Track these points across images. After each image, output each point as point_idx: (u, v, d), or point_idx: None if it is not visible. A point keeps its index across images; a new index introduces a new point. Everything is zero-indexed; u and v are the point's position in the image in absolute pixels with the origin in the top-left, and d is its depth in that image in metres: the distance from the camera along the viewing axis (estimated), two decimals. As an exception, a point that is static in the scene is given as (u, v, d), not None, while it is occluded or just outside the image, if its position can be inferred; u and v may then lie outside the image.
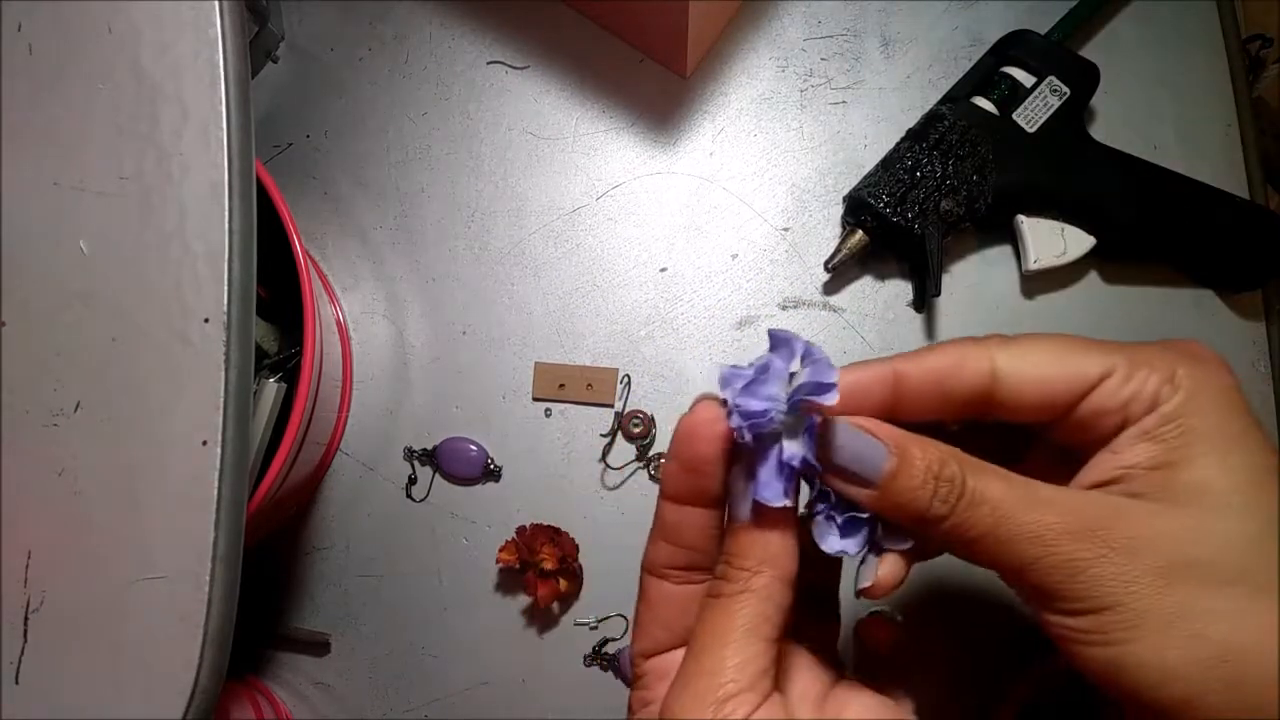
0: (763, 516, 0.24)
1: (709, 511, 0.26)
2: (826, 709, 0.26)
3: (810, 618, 0.29)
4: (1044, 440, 0.27)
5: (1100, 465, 0.24)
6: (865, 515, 0.25)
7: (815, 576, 0.30)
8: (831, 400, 0.22)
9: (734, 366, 0.24)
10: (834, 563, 0.30)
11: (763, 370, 0.23)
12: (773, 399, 0.23)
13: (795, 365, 0.24)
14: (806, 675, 0.27)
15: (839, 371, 0.24)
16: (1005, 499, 0.23)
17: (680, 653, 0.26)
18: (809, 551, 0.27)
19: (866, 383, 0.25)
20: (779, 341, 0.24)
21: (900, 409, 0.25)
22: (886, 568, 0.26)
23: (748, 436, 0.23)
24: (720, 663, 0.23)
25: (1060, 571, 0.22)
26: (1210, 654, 0.21)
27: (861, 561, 0.26)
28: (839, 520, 0.25)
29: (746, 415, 0.23)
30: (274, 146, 0.50)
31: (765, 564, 0.24)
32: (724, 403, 0.24)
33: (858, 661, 0.30)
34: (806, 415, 0.24)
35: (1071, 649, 0.23)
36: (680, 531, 0.26)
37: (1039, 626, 0.24)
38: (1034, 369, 0.25)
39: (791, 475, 0.24)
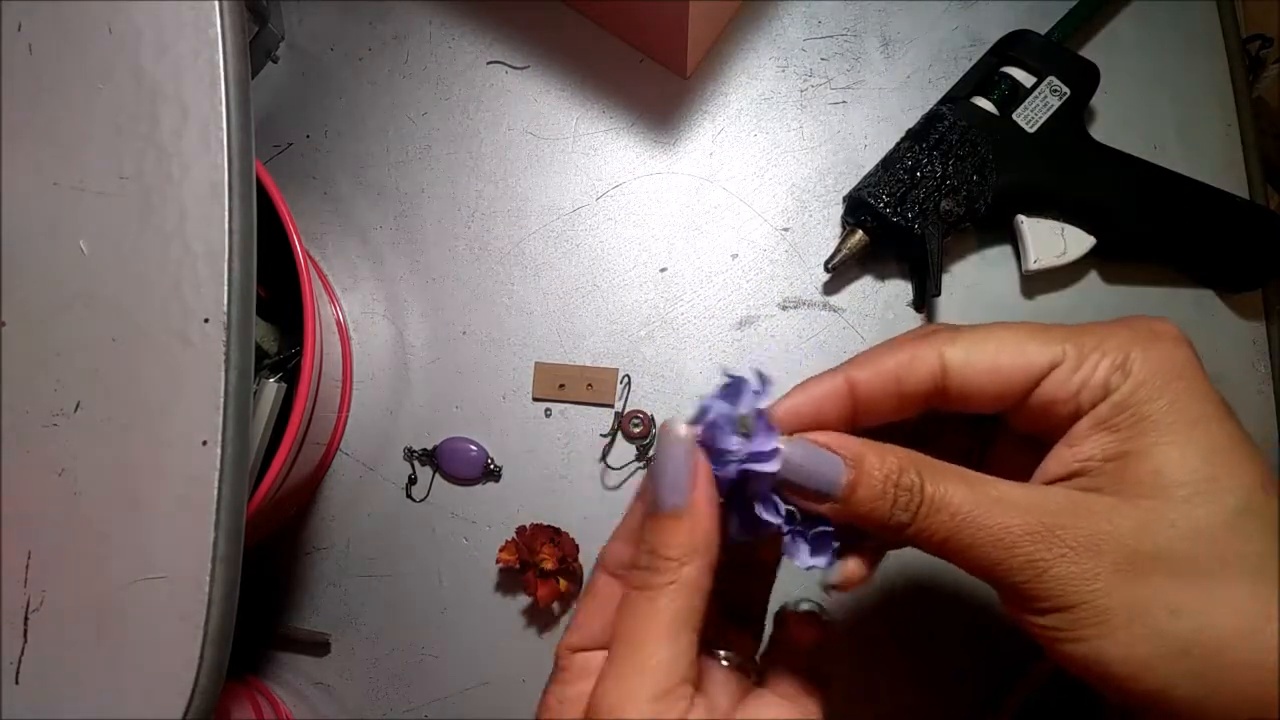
0: (690, 506, 0.24)
1: None
2: (739, 713, 0.26)
3: (734, 628, 0.29)
4: (1010, 428, 0.27)
5: (1058, 458, 0.24)
6: (832, 529, 0.25)
7: (744, 589, 0.30)
8: (774, 467, 0.24)
9: (710, 397, 0.25)
10: (764, 576, 0.30)
11: (711, 427, 0.24)
12: (730, 451, 0.24)
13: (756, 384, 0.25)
14: (720, 687, 0.27)
15: (793, 393, 0.26)
16: (965, 504, 0.23)
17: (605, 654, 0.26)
18: (740, 564, 0.28)
19: (820, 399, 0.25)
20: (730, 386, 0.25)
21: (859, 416, 0.26)
22: (853, 563, 0.26)
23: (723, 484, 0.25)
24: (653, 657, 0.23)
25: (1024, 572, 0.22)
26: (1174, 648, 0.21)
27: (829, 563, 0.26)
28: (808, 536, 0.25)
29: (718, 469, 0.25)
30: (274, 146, 0.50)
31: (693, 554, 0.24)
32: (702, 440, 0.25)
33: (773, 653, 0.29)
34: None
35: (1047, 645, 0.23)
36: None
37: (1017, 625, 0.24)
38: (981, 360, 0.25)
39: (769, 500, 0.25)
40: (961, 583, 0.44)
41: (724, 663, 0.28)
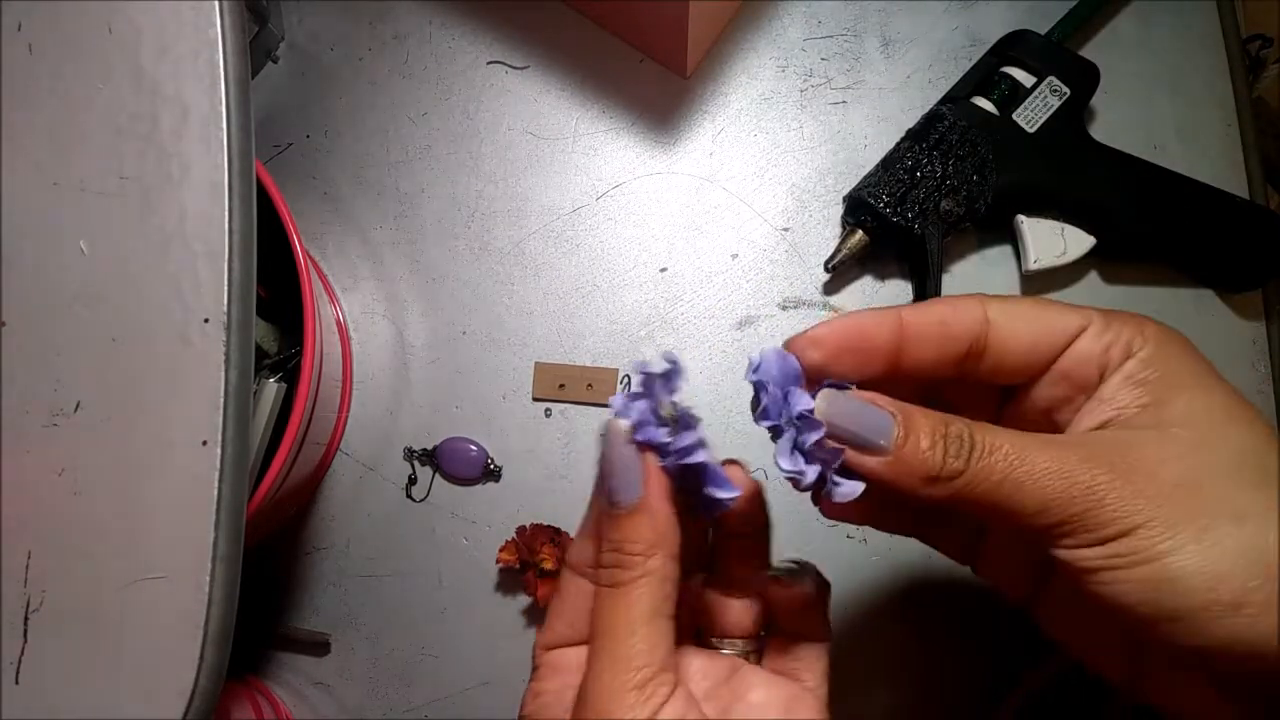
0: (644, 502, 0.25)
1: None
2: (722, 694, 0.27)
3: (732, 613, 0.29)
4: (1018, 412, 0.28)
5: (1090, 412, 0.25)
6: (821, 452, 0.25)
7: (735, 568, 0.29)
8: (702, 458, 0.25)
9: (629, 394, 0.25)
10: (752, 553, 0.29)
11: (637, 428, 0.25)
12: (663, 444, 0.25)
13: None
14: (703, 675, 0.27)
15: (845, 316, 0.26)
16: (1016, 445, 0.23)
17: (578, 651, 0.26)
18: (735, 535, 0.29)
19: (873, 325, 0.26)
20: (645, 380, 0.25)
21: (904, 352, 0.26)
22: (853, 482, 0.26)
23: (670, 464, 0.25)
24: (632, 649, 0.24)
25: (1084, 500, 0.22)
26: (1246, 552, 0.21)
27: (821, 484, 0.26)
28: (805, 446, 0.25)
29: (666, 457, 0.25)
30: (274, 146, 0.50)
31: (656, 546, 0.24)
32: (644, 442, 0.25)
33: (770, 625, 0.29)
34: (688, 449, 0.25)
35: (1103, 584, 0.23)
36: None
37: (1061, 570, 0.24)
38: (1021, 319, 0.26)
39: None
40: (970, 581, 0.44)
41: (724, 650, 0.29)
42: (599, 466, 0.25)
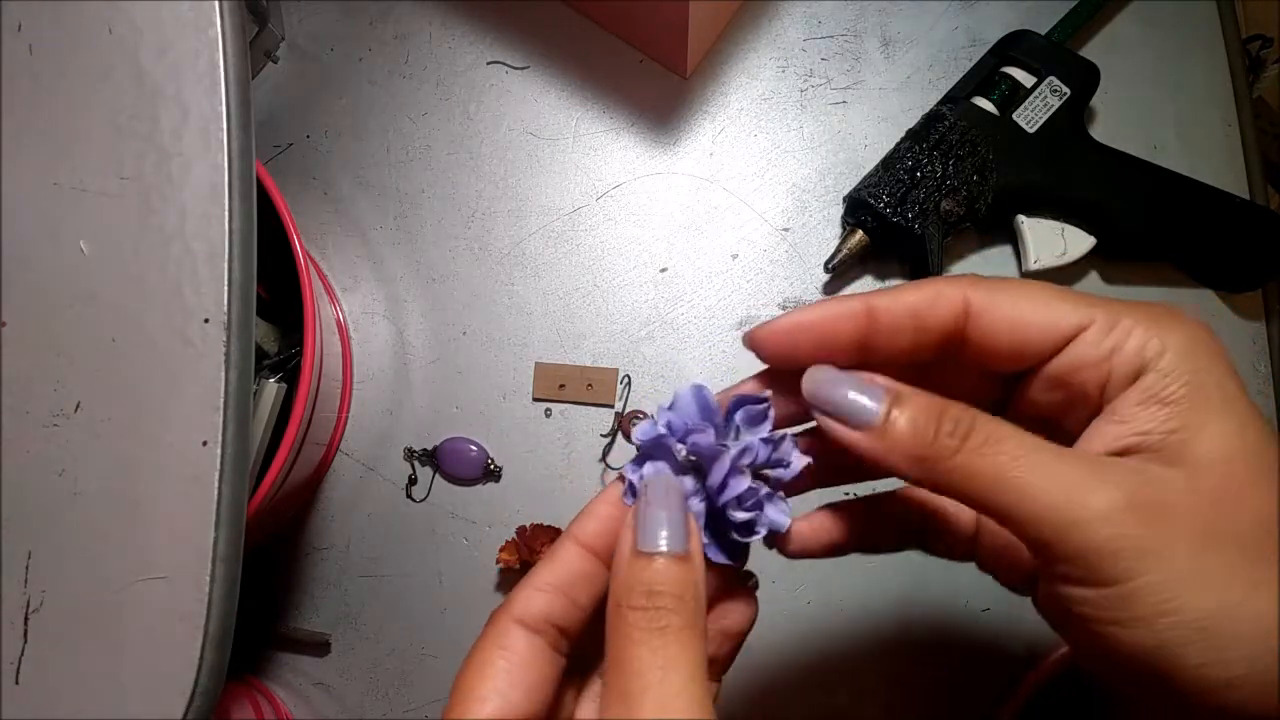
0: (690, 554, 0.23)
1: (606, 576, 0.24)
2: None
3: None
4: (1018, 409, 0.26)
5: (1103, 435, 0.22)
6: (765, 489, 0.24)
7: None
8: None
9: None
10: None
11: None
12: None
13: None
14: None
15: (809, 307, 0.24)
16: (1024, 444, 0.21)
17: None
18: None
19: (837, 317, 0.24)
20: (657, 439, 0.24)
21: (873, 345, 0.24)
22: (807, 523, 0.25)
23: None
24: (703, 697, 0.21)
25: (1090, 535, 0.20)
26: (1258, 623, 0.20)
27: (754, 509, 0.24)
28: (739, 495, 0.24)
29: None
30: (274, 146, 0.50)
31: (700, 598, 0.22)
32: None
33: None
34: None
35: (1092, 628, 0.21)
36: (581, 586, 0.24)
37: (1041, 604, 0.23)
38: (1008, 309, 0.23)
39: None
40: (970, 583, 0.44)
41: None
42: (637, 515, 0.23)
